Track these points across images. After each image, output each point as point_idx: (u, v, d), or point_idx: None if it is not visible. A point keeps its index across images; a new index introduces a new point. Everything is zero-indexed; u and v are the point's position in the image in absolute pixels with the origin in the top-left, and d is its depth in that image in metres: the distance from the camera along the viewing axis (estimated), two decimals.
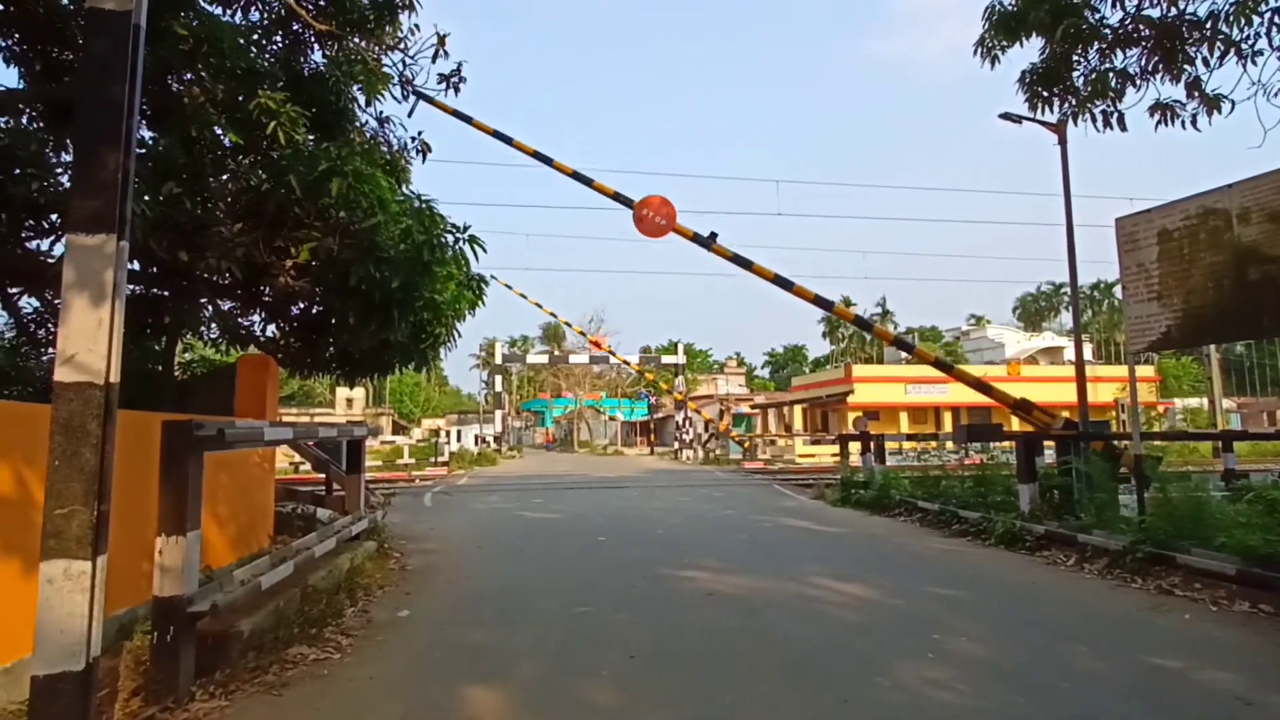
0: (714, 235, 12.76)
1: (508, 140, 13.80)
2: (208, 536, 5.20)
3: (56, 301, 5.31)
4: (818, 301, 13.06)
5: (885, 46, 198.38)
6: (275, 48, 7.75)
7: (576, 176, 13.76)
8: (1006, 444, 12.18)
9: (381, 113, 8.37)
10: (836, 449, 18.42)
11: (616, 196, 13.55)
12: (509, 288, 32.14)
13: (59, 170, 5.91)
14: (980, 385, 11.45)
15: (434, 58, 7.52)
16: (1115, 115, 6.92)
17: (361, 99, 7.84)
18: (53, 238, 6.62)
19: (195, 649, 3.85)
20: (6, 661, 3.58)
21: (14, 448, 3.83)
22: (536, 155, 13.94)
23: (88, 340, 2.91)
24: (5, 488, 3.76)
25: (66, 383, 2.88)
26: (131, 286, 7.24)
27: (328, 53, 7.86)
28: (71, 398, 2.87)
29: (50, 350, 7.66)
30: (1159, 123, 6.77)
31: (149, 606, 3.95)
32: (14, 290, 7.58)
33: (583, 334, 42.31)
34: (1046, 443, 9.61)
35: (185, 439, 3.87)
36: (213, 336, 8.99)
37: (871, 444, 13.74)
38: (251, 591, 4.48)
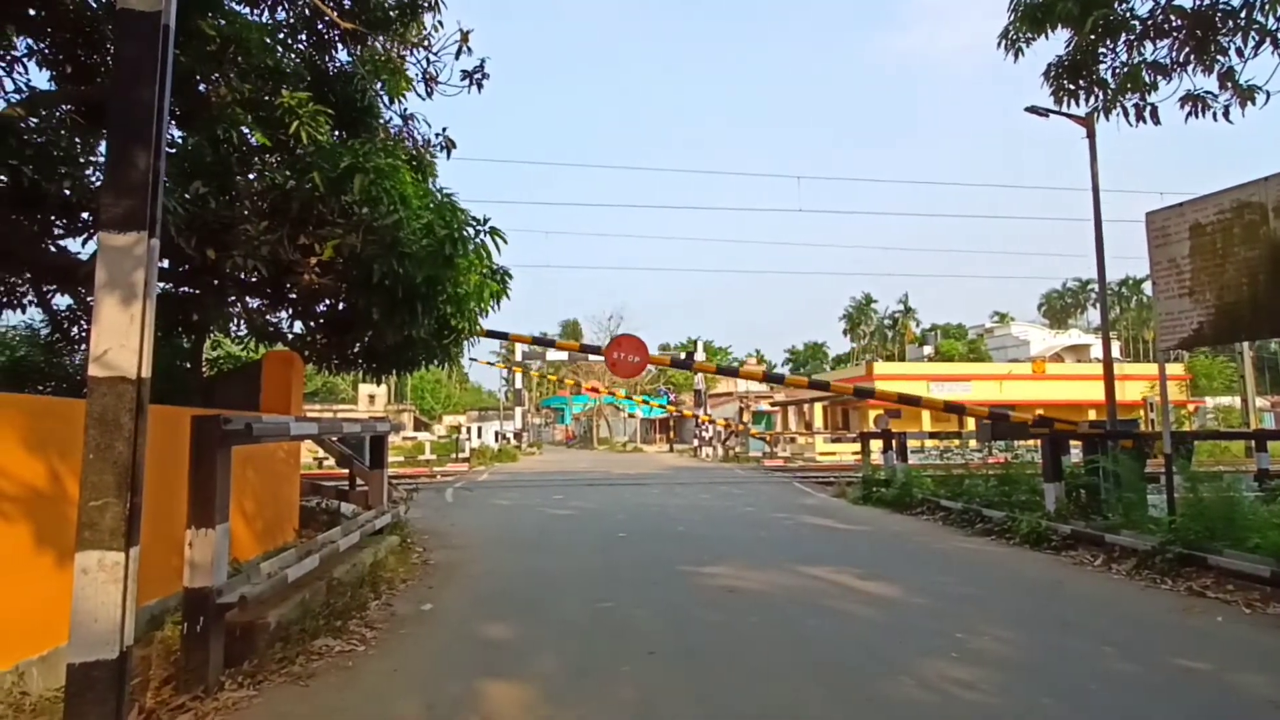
0: (690, 355, 13.72)
1: (550, 344, 16.47)
2: (235, 530, 5.29)
3: (89, 299, 5.41)
4: (811, 384, 14.16)
5: (902, 41, 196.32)
6: (301, 46, 7.83)
7: (536, 342, 14.95)
8: (1031, 442, 12.03)
9: (406, 109, 8.43)
10: (858, 447, 18.28)
11: (584, 349, 15.41)
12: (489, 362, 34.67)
13: (90, 169, 6.02)
14: (995, 414, 11.40)
15: (457, 54, 7.56)
16: (1148, 108, 6.78)
17: (386, 96, 7.90)
18: (85, 236, 6.75)
19: (224, 639, 3.93)
20: (43, 650, 3.67)
21: (50, 441, 3.92)
22: (535, 341, 15.73)
23: (120, 337, 2.97)
24: (41, 481, 3.85)
25: (100, 378, 2.94)
26: (161, 284, 7.37)
27: (352, 51, 7.93)
28: (105, 392, 2.93)
29: (83, 347, 7.82)
30: (1190, 114, 6.62)
31: (179, 598, 4.03)
32: (48, 288, 7.75)
33: (571, 384, 43.41)
34: (1073, 441, 9.45)
35: (214, 433, 3.93)
36: (240, 334, 9.12)
37: (893, 442, 13.63)
38: (278, 584, 4.56)
